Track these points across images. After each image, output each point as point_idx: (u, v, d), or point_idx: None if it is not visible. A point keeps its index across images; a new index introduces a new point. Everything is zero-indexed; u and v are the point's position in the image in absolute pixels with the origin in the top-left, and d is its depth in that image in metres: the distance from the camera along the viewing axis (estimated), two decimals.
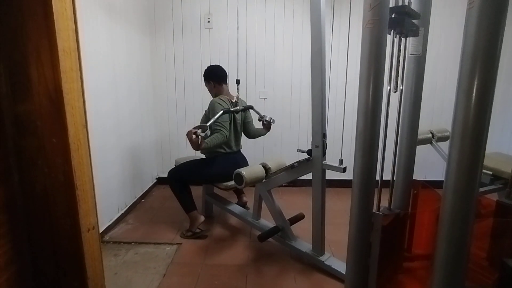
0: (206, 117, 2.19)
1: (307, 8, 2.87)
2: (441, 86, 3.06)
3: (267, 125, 2.37)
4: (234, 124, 2.21)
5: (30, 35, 0.68)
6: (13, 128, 0.72)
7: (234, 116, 2.18)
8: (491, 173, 1.77)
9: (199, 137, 1.84)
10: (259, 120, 2.36)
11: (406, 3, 1.21)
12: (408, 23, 1.16)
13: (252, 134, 2.41)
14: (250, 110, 2.38)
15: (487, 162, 1.80)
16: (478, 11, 0.74)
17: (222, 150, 2.20)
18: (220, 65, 2.37)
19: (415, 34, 1.23)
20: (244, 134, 2.40)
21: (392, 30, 1.16)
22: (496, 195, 1.70)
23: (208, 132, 1.89)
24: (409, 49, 1.34)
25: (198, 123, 2.35)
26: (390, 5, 1.09)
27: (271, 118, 2.34)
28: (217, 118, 1.99)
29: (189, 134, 1.85)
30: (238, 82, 2.33)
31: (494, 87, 0.78)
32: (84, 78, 0.80)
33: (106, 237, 2.19)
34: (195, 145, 1.86)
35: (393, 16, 1.13)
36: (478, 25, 0.74)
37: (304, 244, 1.94)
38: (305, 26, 3.00)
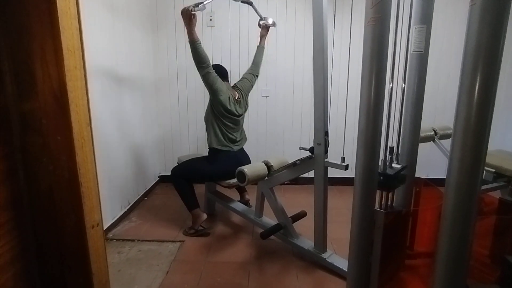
0: (208, 113, 2.19)
1: (309, 6, 2.86)
2: (444, 84, 3.05)
3: (265, 30, 2.29)
4: (236, 119, 2.20)
5: (34, 34, 0.68)
6: (19, 126, 0.73)
7: (236, 110, 2.17)
8: (494, 170, 1.77)
9: (194, 15, 1.84)
10: (259, 21, 2.23)
11: (409, 0, 1.21)
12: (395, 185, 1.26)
13: (253, 81, 2.39)
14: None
15: (490, 159, 1.79)
16: (480, 8, 0.74)
17: (224, 148, 2.20)
18: (222, 63, 2.37)
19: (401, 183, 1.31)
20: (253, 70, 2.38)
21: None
22: (499, 193, 1.69)
23: (205, 6, 1.86)
24: (411, 46, 1.34)
25: (201, 121, 2.36)
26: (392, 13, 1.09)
27: (273, 21, 2.17)
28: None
29: (184, 11, 1.86)
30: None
31: (496, 84, 0.78)
32: (87, 76, 0.81)
33: (110, 235, 2.20)
34: (189, 22, 1.87)
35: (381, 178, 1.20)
36: (480, 22, 0.74)
37: (306, 242, 1.95)
38: (307, 24, 2.99)
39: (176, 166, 2.34)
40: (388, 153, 1.27)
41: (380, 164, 1.20)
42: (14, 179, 0.74)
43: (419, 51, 1.31)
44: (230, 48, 3.07)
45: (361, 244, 1.23)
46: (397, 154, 1.37)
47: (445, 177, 0.88)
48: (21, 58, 0.71)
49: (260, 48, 2.40)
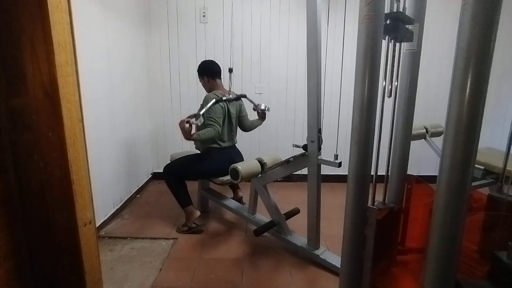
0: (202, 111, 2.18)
1: (303, 3, 2.86)
2: (436, 82, 3.09)
3: (262, 114, 2.36)
4: (229, 118, 2.20)
5: (24, 28, 0.67)
6: (9, 123, 0.71)
7: (228, 110, 2.18)
8: (483, 167, 1.80)
9: (192, 126, 1.86)
10: (254, 109, 2.33)
11: (401, 1, 1.22)
12: (402, 29, 1.17)
13: (248, 127, 2.41)
14: (244, 100, 2.35)
15: (479, 157, 1.82)
16: (472, 7, 0.75)
17: (217, 145, 2.19)
18: (215, 59, 2.36)
19: (409, 39, 1.25)
20: (240, 128, 2.40)
21: (387, 36, 1.18)
22: (488, 189, 1.73)
23: (201, 119, 1.90)
24: (404, 45, 1.35)
25: None
26: (386, 11, 1.09)
27: (266, 107, 2.30)
28: (210, 107, 1.99)
29: (181, 123, 1.87)
30: (230, 71, 2.28)
31: (487, 83, 0.79)
32: (79, 72, 0.79)
33: (102, 232, 2.18)
34: (187, 135, 1.89)
35: (387, 22, 1.14)
36: (472, 22, 0.75)
37: (300, 238, 1.96)
38: (301, 22, 2.99)
39: (169, 163, 2.32)
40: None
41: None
42: (5, 177, 0.73)
43: (412, 50, 1.32)
44: (223, 44, 3.05)
45: (354, 240, 1.24)
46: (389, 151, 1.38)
47: (436, 174, 0.90)
48: (10, 52, 0.69)
49: (258, 122, 2.41)
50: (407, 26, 1.22)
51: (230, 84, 2.26)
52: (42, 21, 0.66)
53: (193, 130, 1.97)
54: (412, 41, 1.26)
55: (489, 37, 0.75)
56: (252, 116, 2.42)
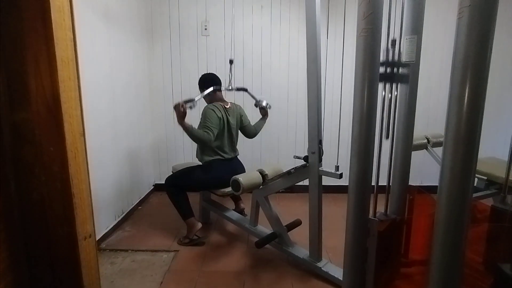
0: (201, 124, 2.20)
1: (303, 17, 2.91)
2: (436, 92, 3.10)
3: (263, 112, 2.34)
4: (229, 128, 2.21)
5: (29, 45, 0.68)
6: (11, 137, 0.72)
7: (228, 120, 2.19)
8: (485, 178, 1.79)
9: (186, 111, 1.89)
10: (255, 105, 2.30)
11: (400, 11, 1.24)
12: (397, 75, 1.22)
13: (253, 134, 2.40)
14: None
15: (481, 167, 1.82)
16: (467, 20, 0.76)
17: (218, 157, 2.20)
18: (216, 71, 2.38)
19: (406, 81, 1.29)
20: (246, 136, 2.41)
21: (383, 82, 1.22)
22: (492, 200, 1.71)
23: (195, 104, 1.92)
24: (403, 56, 1.36)
25: None
26: (382, 50, 1.12)
27: (267, 104, 2.27)
28: (205, 94, 2.01)
29: (176, 106, 1.89)
30: (231, 62, 2.24)
31: (485, 94, 0.80)
32: (81, 86, 0.81)
33: (103, 245, 2.17)
34: (180, 119, 1.91)
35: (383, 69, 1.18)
36: (468, 35, 0.76)
37: (302, 250, 1.94)
38: (301, 35, 3.03)
39: (171, 175, 2.33)
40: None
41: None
42: (6, 190, 0.73)
43: (411, 61, 1.33)
44: (224, 56, 3.09)
45: (356, 253, 1.23)
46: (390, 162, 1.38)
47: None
48: (15, 68, 0.71)
49: (261, 122, 2.43)
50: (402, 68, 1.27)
51: (231, 75, 2.23)
52: (46, 38, 0.68)
53: (188, 119, 1.97)
54: (409, 82, 1.31)
55: (485, 49, 0.76)
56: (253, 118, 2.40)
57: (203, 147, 2.19)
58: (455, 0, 0.78)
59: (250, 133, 2.40)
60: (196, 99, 1.93)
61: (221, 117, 2.13)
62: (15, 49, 0.70)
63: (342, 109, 2.15)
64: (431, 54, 3.02)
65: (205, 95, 2.28)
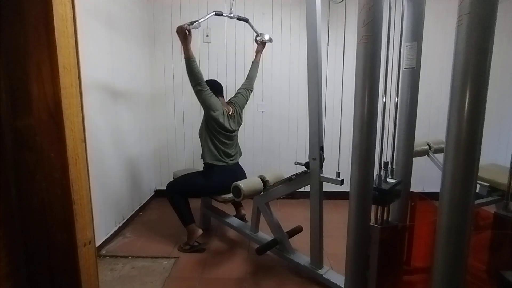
0: (202, 128, 2.20)
1: (304, 24, 2.94)
2: (437, 98, 3.10)
3: (261, 46, 2.33)
4: (230, 134, 2.21)
5: (31, 53, 0.69)
6: (12, 143, 0.73)
7: (230, 125, 2.19)
8: (488, 184, 1.78)
9: (188, 32, 1.91)
10: (255, 40, 2.27)
11: (400, 18, 1.25)
12: (390, 197, 1.27)
13: (248, 96, 2.41)
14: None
15: (483, 173, 1.81)
16: (467, 27, 0.76)
17: (220, 163, 2.20)
18: (218, 78, 2.40)
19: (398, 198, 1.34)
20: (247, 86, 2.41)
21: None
22: (494, 207, 1.70)
23: (197, 26, 1.93)
24: (403, 63, 1.37)
25: (196, 136, 2.36)
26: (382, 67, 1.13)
27: (269, 38, 2.22)
28: (207, 17, 2.00)
29: (179, 27, 1.92)
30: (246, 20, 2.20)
31: (485, 100, 0.80)
32: (83, 92, 0.81)
33: (103, 251, 2.16)
34: (184, 38, 1.93)
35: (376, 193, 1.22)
36: (467, 42, 0.76)
37: (303, 257, 1.92)
38: (302, 41, 3.05)
39: (172, 181, 2.33)
40: (382, 168, 1.28)
41: (375, 179, 1.20)
42: (6, 196, 0.74)
43: (411, 68, 1.34)
44: (226, 64, 3.11)
45: (357, 260, 1.22)
46: (392, 169, 1.37)
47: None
48: (17, 75, 0.71)
49: (255, 64, 2.43)
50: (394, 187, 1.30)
51: (232, 1, 2.22)
52: (49, 46, 0.69)
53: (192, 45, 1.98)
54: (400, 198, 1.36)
55: (484, 56, 0.76)
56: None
57: (205, 149, 2.19)
58: (455, 6, 0.79)
59: (248, 96, 2.41)
60: (200, 20, 1.93)
61: (221, 114, 2.13)
62: (18, 57, 0.71)
63: (343, 115, 2.15)
64: (431, 60, 3.03)
65: None
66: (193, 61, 1.99)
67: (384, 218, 1.32)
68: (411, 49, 1.33)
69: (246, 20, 2.23)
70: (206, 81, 2.33)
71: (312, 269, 1.82)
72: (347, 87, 2.35)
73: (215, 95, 2.26)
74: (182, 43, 1.96)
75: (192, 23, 1.92)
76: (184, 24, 1.91)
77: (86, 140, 0.80)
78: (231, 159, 2.26)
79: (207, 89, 2.07)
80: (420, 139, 1.89)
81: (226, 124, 2.16)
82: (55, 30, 0.68)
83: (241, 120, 2.33)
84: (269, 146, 3.24)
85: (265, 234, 2.15)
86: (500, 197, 1.72)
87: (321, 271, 1.80)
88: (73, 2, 0.76)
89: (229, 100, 2.34)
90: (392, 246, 1.30)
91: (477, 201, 1.63)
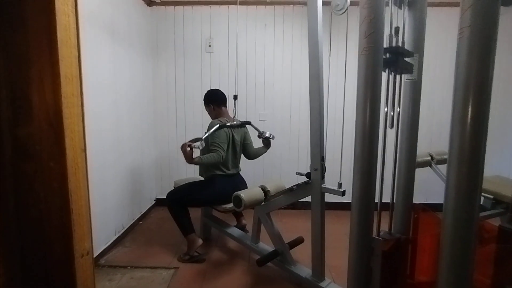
0: (209, 142, 2.21)
1: (305, 34, 2.97)
2: (439, 109, 3.10)
3: (266, 142, 2.36)
4: (233, 145, 2.22)
5: (34, 62, 0.69)
6: (12, 152, 0.72)
7: (232, 136, 2.19)
8: (492, 197, 1.76)
9: (193, 150, 1.91)
10: (258, 137, 2.33)
11: (400, 30, 1.26)
12: (402, 62, 1.21)
13: (253, 155, 2.40)
14: (248, 126, 2.37)
15: (487, 186, 1.79)
16: (468, 40, 0.76)
17: (221, 172, 2.19)
18: (220, 87, 2.41)
19: (409, 71, 1.28)
20: (244, 155, 2.40)
21: (387, 69, 1.21)
22: (499, 220, 1.67)
23: (203, 143, 1.94)
24: (405, 75, 1.37)
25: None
26: (384, 45, 1.12)
27: (270, 134, 2.31)
28: (213, 132, 2.02)
29: (183, 147, 1.92)
30: (235, 97, 2.31)
31: (488, 112, 0.79)
32: (85, 101, 0.81)
33: (102, 261, 2.14)
34: (188, 158, 1.93)
35: (387, 56, 1.17)
36: (469, 54, 0.76)
37: (304, 269, 1.89)
38: (304, 51, 3.07)
39: (172, 190, 2.31)
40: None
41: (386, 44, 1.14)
42: (4, 206, 0.73)
43: (413, 79, 1.34)
44: (228, 73, 3.13)
45: (360, 273, 1.19)
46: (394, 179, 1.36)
47: (443, 202, 0.88)
48: (18, 85, 0.71)
49: (262, 149, 2.43)
50: (406, 59, 1.24)
51: (235, 111, 2.30)
52: (51, 56, 0.69)
53: (196, 154, 1.98)
54: (412, 73, 1.29)
55: (486, 68, 0.76)
56: (256, 143, 2.43)
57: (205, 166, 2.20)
58: (455, 18, 0.79)
59: (250, 153, 2.40)
60: (203, 138, 1.97)
61: (227, 132, 2.14)
62: (20, 66, 0.71)
63: (344, 125, 2.14)
64: (433, 71, 3.04)
65: (211, 111, 2.30)
66: (202, 161, 1.99)
67: (387, 230, 1.30)
68: (413, 60, 1.33)
69: (249, 123, 2.37)
70: (209, 91, 2.35)
71: (314, 282, 1.79)
72: (348, 98, 2.36)
73: (218, 106, 2.27)
74: (186, 159, 1.95)
75: (196, 140, 1.97)
76: (187, 143, 1.93)
77: (86, 150, 0.80)
78: (232, 169, 2.25)
79: (217, 156, 2.04)
80: (422, 150, 1.88)
81: (230, 141, 2.18)
82: (58, 40, 0.68)
83: (244, 135, 2.33)
84: (270, 156, 3.23)
85: (266, 245, 2.12)
86: (504, 209, 1.70)
87: (322, 284, 1.77)
88: (76, 13, 0.77)
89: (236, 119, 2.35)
90: (395, 259, 1.28)
91: (481, 214, 1.61)
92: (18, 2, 0.69)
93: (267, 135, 2.31)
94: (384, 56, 1.12)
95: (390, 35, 1.20)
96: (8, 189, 0.72)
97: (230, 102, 2.38)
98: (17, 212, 0.73)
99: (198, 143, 1.93)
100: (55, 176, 0.72)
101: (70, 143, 0.73)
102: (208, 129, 2.12)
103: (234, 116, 2.29)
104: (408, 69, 1.26)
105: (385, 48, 1.13)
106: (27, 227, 0.75)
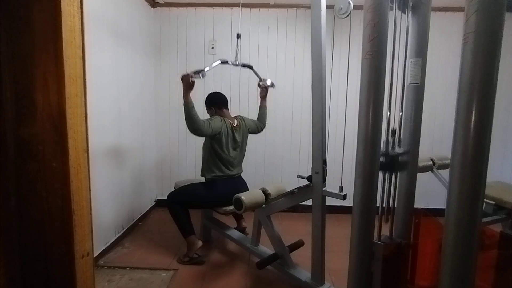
0: (205, 144, 2.21)
1: (308, 37, 2.97)
2: (441, 114, 3.09)
3: (264, 91, 2.33)
4: (235, 145, 2.21)
5: (38, 63, 0.70)
6: (15, 152, 0.72)
7: (233, 136, 2.19)
8: (493, 202, 1.75)
9: (194, 82, 1.91)
10: (258, 85, 2.28)
11: (405, 34, 1.26)
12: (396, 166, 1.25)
13: (261, 127, 2.41)
14: (250, 69, 2.34)
15: (489, 191, 1.78)
16: (472, 46, 0.76)
17: (222, 174, 2.19)
18: (222, 90, 2.41)
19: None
20: (253, 133, 2.41)
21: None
22: (500, 226, 1.67)
23: (204, 74, 1.92)
24: (407, 78, 1.37)
25: (199, 147, 2.36)
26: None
27: (272, 82, 2.23)
28: (214, 66, 2.00)
29: (185, 76, 1.91)
30: (238, 36, 2.21)
31: (492, 118, 0.79)
32: (88, 102, 0.82)
33: (101, 262, 2.13)
34: (187, 88, 1.93)
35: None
36: (473, 60, 0.76)
37: (304, 273, 1.89)
38: (306, 54, 3.08)
39: (173, 191, 2.31)
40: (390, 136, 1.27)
41: (382, 147, 1.18)
42: (6, 206, 0.73)
43: (415, 83, 1.34)
44: (230, 75, 3.13)
45: (360, 277, 1.19)
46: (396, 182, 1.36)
47: (444, 207, 0.87)
48: (23, 85, 0.72)
49: (263, 108, 2.44)
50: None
51: (237, 50, 2.20)
52: (56, 56, 0.69)
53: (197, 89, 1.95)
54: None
55: (491, 74, 0.76)
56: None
57: (208, 163, 2.19)
58: (459, 23, 0.79)
59: (259, 128, 2.40)
60: (206, 70, 1.93)
61: (225, 130, 2.13)
62: (25, 67, 0.72)
63: (346, 129, 2.14)
64: (435, 75, 3.04)
65: (213, 113, 2.30)
66: (191, 107, 1.96)
67: (388, 234, 1.29)
68: (416, 65, 1.33)
69: (250, 67, 2.28)
70: (211, 94, 2.35)
71: (313, 285, 1.78)
72: (351, 101, 2.34)
73: (220, 108, 2.27)
74: (184, 90, 1.94)
75: (197, 72, 1.93)
76: (189, 73, 1.91)
77: (88, 150, 0.80)
78: (234, 170, 2.25)
79: (202, 124, 2.01)
80: (424, 154, 1.87)
81: (230, 140, 2.16)
82: (63, 40, 0.69)
83: (247, 135, 2.33)
84: (271, 158, 3.23)
85: (266, 248, 2.11)
86: (506, 215, 1.69)
87: None
88: (82, 14, 0.77)
89: (239, 116, 2.35)
90: (395, 263, 1.27)
91: (483, 220, 1.60)
92: (24, 3, 0.69)
93: (268, 83, 2.20)
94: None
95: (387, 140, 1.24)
96: (10, 188, 0.72)
97: (232, 105, 2.38)
98: (18, 212, 0.74)
99: (200, 75, 1.90)
100: (57, 177, 0.72)
101: (73, 143, 0.73)
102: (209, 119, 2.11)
103: (236, 56, 2.22)
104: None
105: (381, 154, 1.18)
106: (28, 227, 0.75)
